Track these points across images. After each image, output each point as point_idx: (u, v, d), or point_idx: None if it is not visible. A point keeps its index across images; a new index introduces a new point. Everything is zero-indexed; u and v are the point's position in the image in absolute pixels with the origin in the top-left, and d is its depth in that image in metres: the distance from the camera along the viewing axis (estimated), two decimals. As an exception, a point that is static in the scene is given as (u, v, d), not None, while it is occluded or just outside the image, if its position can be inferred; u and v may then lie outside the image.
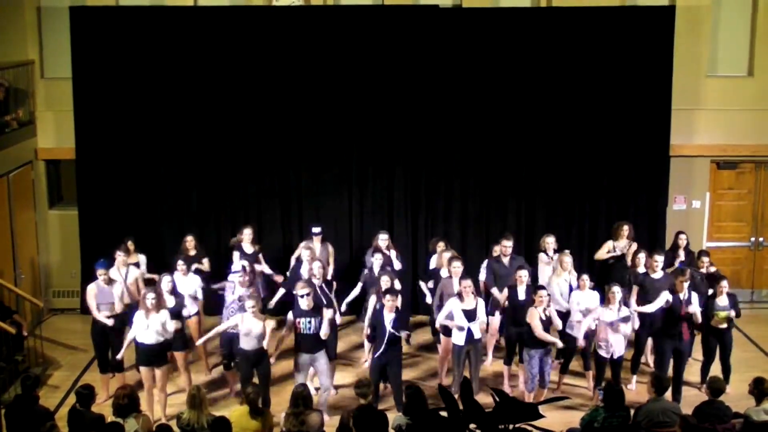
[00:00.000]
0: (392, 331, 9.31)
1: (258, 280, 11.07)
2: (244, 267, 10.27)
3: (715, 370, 10.25)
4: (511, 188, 12.81)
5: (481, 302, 9.90)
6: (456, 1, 12.95)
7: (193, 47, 12.32)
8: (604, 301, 9.91)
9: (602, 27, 12.43)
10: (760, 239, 13.75)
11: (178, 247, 12.01)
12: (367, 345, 10.99)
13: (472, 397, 4.41)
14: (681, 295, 9.71)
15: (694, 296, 9.84)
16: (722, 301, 10.13)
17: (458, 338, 9.76)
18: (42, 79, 13.05)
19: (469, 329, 9.65)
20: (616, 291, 9.73)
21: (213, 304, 11.32)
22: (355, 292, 10.90)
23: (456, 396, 6.75)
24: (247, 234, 11.38)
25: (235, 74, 12.40)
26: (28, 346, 11.13)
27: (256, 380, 9.31)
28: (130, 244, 11.15)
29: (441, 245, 11.17)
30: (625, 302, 9.98)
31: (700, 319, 9.87)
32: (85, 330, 10.51)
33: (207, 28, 12.34)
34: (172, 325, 9.45)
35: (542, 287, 9.87)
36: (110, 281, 10.10)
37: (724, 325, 10.17)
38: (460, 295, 9.79)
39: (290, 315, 9.54)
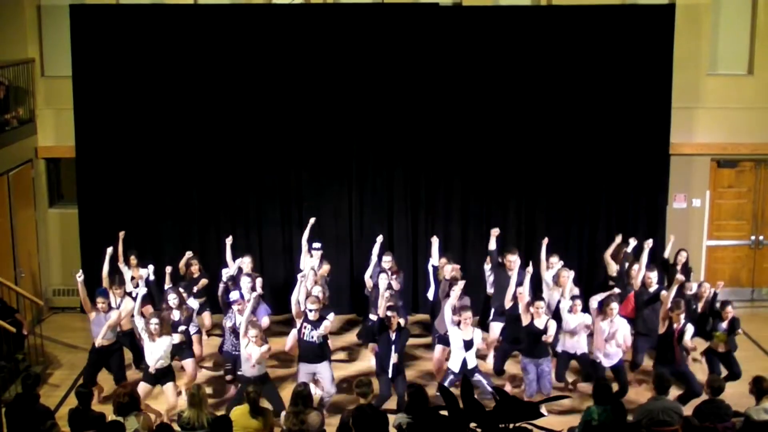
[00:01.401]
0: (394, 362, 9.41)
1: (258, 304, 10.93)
2: (241, 295, 10.09)
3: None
4: (512, 187, 12.80)
5: (479, 333, 9.72)
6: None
7: (193, 45, 12.30)
8: (602, 314, 9.92)
9: (602, 25, 12.42)
10: (760, 238, 13.74)
11: (178, 245, 12.02)
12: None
13: (472, 396, 4.40)
14: (675, 325, 9.62)
15: (689, 327, 9.77)
16: (724, 325, 10.17)
17: (454, 365, 9.56)
18: (42, 77, 13.04)
19: (464, 359, 9.49)
20: (614, 307, 9.80)
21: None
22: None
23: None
24: (246, 263, 11.06)
25: (234, 73, 12.38)
26: (28, 344, 11.12)
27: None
28: (133, 259, 11.08)
29: (443, 261, 11.01)
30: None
31: (695, 348, 9.88)
32: (85, 328, 10.50)
33: (207, 27, 12.33)
34: (177, 338, 9.47)
35: (540, 298, 9.91)
36: (109, 309, 9.82)
37: (722, 349, 10.18)
38: (458, 324, 9.63)
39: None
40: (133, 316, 9.66)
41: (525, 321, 9.66)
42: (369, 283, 11.03)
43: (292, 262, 11.95)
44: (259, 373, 9.09)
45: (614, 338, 9.76)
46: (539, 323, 9.60)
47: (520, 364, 9.83)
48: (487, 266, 11.30)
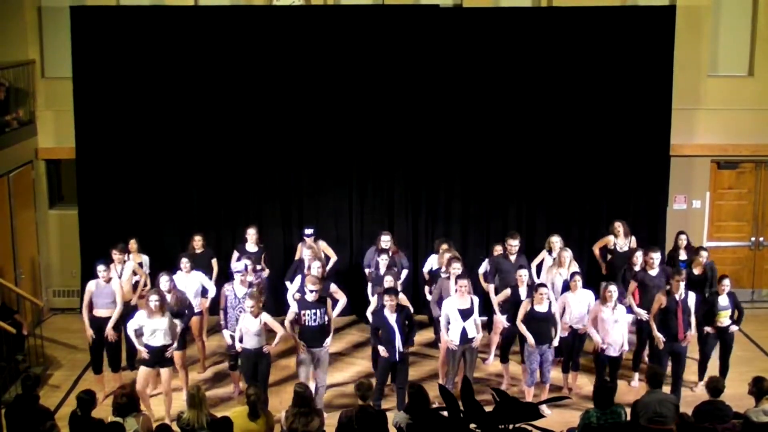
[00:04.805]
0: (401, 350, 9.45)
1: (262, 277, 11.07)
2: (246, 266, 10.27)
3: (712, 368, 10.28)
4: (512, 188, 12.80)
5: (476, 300, 9.89)
6: (456, 1, 12.95)
7: (193, 47, 12.31)
8: (600, 299, 9.93)
9: (603, 27, 12.42)
10: (761, 239, 13.74)
11: (178, 246, 12.03)
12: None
13: (472, 397, 4.40)
14: (677, 296, 9.72)
15: (691, 295, 9.84)
16: (723, 300, 10.18)
17: (453, 338, 9.75)
18: (42, 78, 13.04)
19: (463, 329, 9.65)
20: (613, 290, 9.77)
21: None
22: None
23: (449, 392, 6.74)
24: (250, 234, 11.43)
25: (235, 74, 12.38)
26: (28, 345, 11.13)
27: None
28: (132, 244, 11.17)
29: (444, 246, 11.18)
30: (621, 300, 10.00)
31: (694, 329, 9.96)
32: (85, 329, 10.50)
33: (207, 28, 12.33)
34: (178, 326, 9.54)
35: (543, 285, 9.90)
36: (110, 280, 10.12)
37: (727, 322, 10.22)
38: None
39: (291, 314, 9.59)
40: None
41: (527, 306, 9.70)
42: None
43: (292, 262, 11.91)
44: (259, 345, 9.35)
45: (618, 324, 9.75)
46: (541, 308, 9.63)
47: (525, 352, 9.88)
48: (486, 261, 11.37)
